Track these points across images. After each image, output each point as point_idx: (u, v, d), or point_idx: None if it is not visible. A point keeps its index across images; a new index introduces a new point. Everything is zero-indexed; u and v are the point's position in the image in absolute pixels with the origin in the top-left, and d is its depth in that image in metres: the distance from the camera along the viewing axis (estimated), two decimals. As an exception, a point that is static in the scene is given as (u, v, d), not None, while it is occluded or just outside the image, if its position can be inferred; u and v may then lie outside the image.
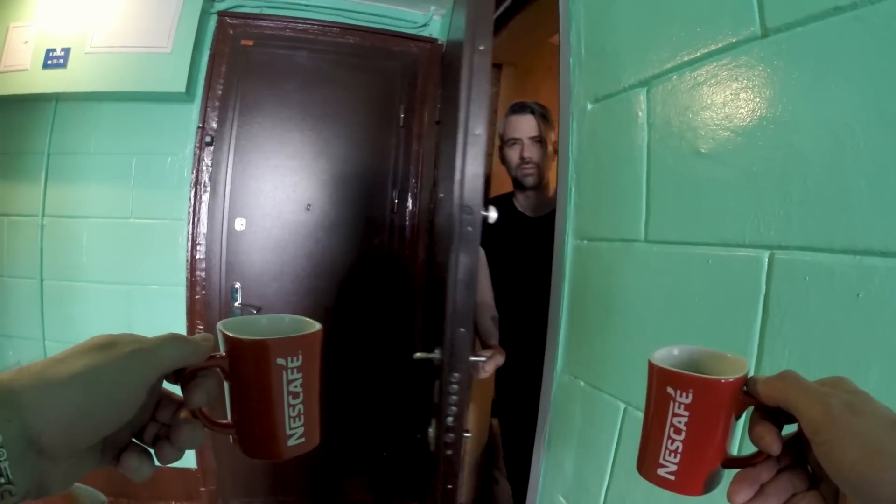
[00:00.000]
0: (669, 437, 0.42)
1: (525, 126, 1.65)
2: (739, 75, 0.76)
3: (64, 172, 2.40)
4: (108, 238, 2.40)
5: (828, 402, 0.34)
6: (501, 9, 2.03)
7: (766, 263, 0.71)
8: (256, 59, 2.51)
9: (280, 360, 0.41)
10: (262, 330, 0.45)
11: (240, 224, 2.48)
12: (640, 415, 0.47)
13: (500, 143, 1.76)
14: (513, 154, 1.67)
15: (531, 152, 1.65)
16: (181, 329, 2.39)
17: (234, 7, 2.55)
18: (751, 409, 0.41)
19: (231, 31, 2.51)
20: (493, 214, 1.05)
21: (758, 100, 0.73)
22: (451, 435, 1.08)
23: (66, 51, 2.32)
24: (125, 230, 2.40)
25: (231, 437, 0.43)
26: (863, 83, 0.60)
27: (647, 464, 0.44)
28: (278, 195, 2.45)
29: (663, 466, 0.42)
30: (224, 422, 0.43)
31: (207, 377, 0.40)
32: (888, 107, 0.57)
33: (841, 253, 0.62)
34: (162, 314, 2.39)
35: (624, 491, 1.00)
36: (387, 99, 2.51)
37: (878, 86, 0.58)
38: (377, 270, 2.52)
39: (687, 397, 0.40)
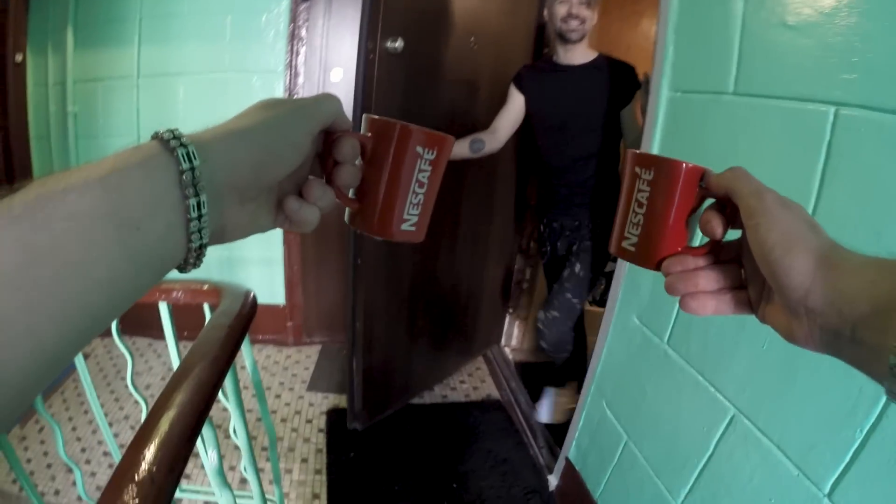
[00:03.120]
0: (633, 210, 0.47)
1: None
2: None
3: (157, 34, 2.49)
4: (205, 92, 2.53)
5: (764, 193, 0.38)
6: None
7: (832, 116, 0.93)
8: None
9: (418, 148, 0.44)
10: None
11: (336, 75, 2.64)
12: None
13: (547, 4, 1.94)
14: (562, 8, 1.83)
15: (579, 10, 1.82)
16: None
17: None
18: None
19: None
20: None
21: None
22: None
23: None
24: (222, 84, 2.52)
25: (348, 213, 0.47)
26: None
27: (614, 238, 0.49)
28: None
29: (626, 239, 0.47)
30: (352, 199, 0.46)
31: (350, 144, 0.42)
32: None
33: (891, 113, 0.83)
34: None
35: (689, 319, 1.28)
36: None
37: None
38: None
39: (649, 174, 0.45)
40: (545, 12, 1.99)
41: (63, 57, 2.58)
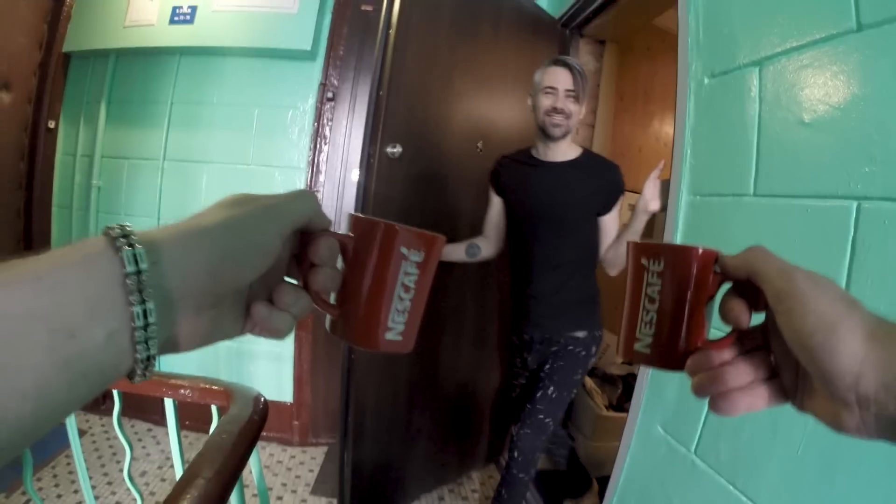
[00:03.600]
0: (644, 308, 0.43)
1: (563, 78, 1.69)
2: (837, 60, 0.96)
3: (186, 120, 2.61)
4: (228, 181, 2.59)
5: (792, 273, 0.35)
6: None
7: (855, 211, 0.91)
8: (375, 23, 2.65)
9: (403, 249, 0.41)
10: None
11: (356, 175, 2.65)
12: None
13: (532, 93, 1.81)
14: (546, 101, 1.70)
15: (565, 104, 1.69)
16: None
17: None
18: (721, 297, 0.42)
19: None
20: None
21: (852, 81, 0.93)
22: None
23: (193, 8, 2.51)
24: (245, 175, 2.60)
25: (329, 320, 0.43)
26: None
27: (624, 341, 0.44)
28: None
29: (639, 340, 0.43)
30: (331, 304, 0.42)
31: (328, 244, 0.39)
32: None
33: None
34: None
35: (719, 425, 1.19)
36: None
37: None
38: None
39: (658, 265, 0.42)
40: (529, 101, 1.83)
41: (94, 130, 2.70)
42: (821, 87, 1.00)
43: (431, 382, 2.30)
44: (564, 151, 1.77)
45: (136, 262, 0.28)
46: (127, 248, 0.28)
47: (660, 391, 1.43)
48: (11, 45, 2.51)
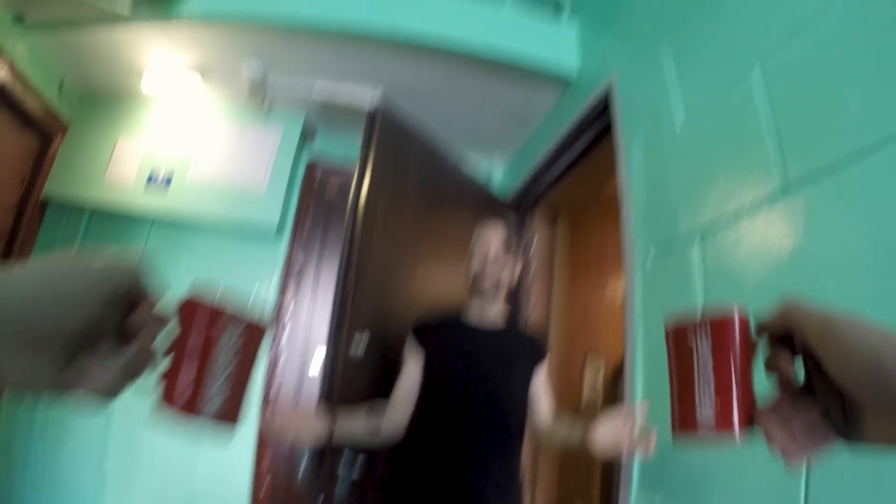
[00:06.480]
0: (699, 383, 0.44)
1: (496, 235, 1.63)
2: (771, 224, 1.01)
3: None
4: None
5: (829, 315, 0.38)
6: (563, 165, 2.37)
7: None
8: (340, 205, 2.81)
9: (218, 330, 0.45)
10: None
11: (319, 354, 2.64)
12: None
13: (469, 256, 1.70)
14: (478, 261, 1.62)
15: (496, 259, 1.60)
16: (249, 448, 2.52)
17: (323, 155, 2.97)
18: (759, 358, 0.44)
19: (319, 177, 2.91)
20: None
21: (786, 242, 0.97)
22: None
23: (169, 176, 2.62)
24: None
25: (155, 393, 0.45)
26: (860, 220, 0.84)
27: (682, 419, 0.45)
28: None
29: (701, 414, 0.43)
30: (156, 370, 0.44)
31: (148, 314, 0.42)
32: (887, 241, 0.78)
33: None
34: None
35: None
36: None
37: (875, 221, 0.81)
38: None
39: (706, 337, 0.44)
40: (465, 264, 1.69)
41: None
42: (757, 252, 1.04)
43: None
44: (495, 317, 1.64)
45: None
46: None
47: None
48: (-7, 176, 2.48)
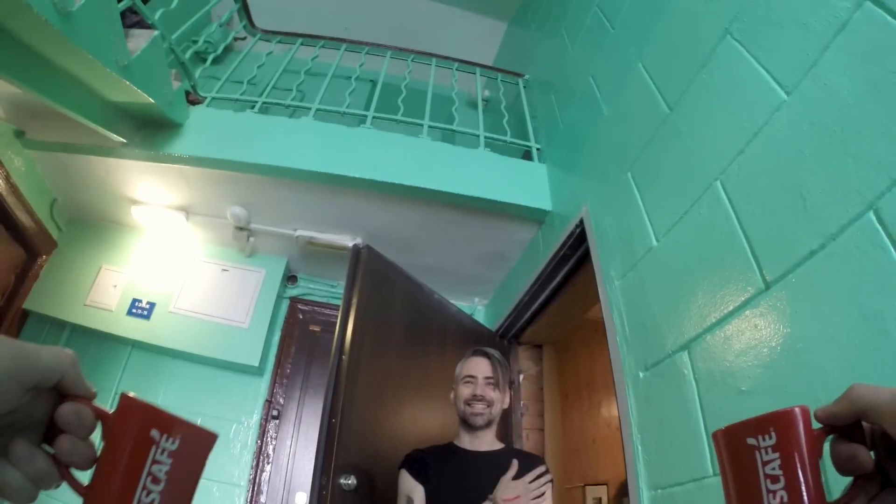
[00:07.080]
0: (767, 487, 0.40)
1: (482, 367, 1.68)
2: (757, 322, 1.03)
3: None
4: None
5: None
6: (544, 298, 2.43)
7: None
8: (322, 343, 2.84)
9: (154, 433, 0.38)
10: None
11: (300, 498, 2.54)
12: None
13: (453, 386, 1.75)
14: (465, 390, 1.66)
15: (485, 391, 1.64)
16: None
17: (305, 294, 3.02)
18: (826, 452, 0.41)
19: (301, 316, 2.93)
20: None
21: (775, 336, 0.99)
22: None
23: (151, 305, 2.64)
24: None
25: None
26: (841, 296, 0.86)
27: None
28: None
29: None
30: (78, 482, 0.39)
31: (76, 410, 0.38)
32: (870, 311, 0.81)
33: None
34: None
35: None
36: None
37: (855, 294, 0.84)
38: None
39: (770, 438, 0.40)
40: (451, 395, 1.75)
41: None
42: (748, 351, 1.05)
43: None
44: (490, 442, 1.66)
45: None
46: None
47: None
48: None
